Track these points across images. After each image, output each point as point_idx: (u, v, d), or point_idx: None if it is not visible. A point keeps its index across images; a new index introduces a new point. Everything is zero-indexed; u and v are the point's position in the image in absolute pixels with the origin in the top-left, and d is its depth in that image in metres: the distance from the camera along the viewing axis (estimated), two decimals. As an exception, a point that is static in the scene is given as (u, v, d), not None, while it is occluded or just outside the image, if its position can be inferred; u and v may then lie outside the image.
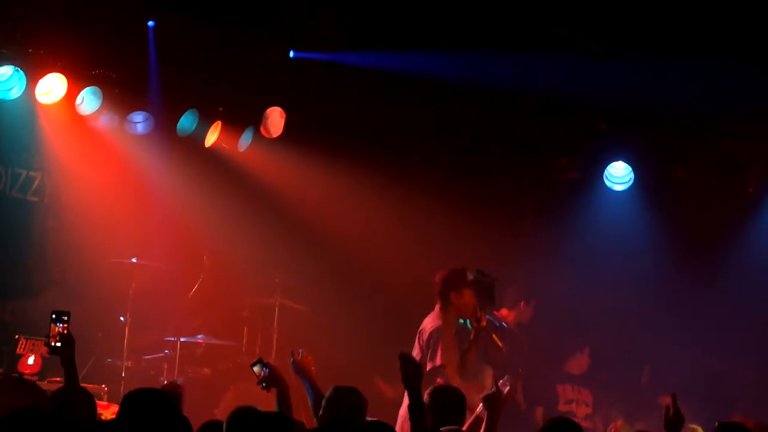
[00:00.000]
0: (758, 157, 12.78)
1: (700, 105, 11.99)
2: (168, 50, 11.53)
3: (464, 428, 7.80)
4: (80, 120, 11.50)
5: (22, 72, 10.86)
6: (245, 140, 12.31)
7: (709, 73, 11.46)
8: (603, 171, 13.14)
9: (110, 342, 12.05)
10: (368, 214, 12.74)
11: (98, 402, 10.17)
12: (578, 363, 12.29)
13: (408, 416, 6.69)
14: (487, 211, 13.05)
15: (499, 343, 10.05)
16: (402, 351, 6.69)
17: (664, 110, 12.41)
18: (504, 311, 11.84)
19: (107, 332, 12.10)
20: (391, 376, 11.02)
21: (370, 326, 12.43)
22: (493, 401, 7.42)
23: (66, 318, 6.82)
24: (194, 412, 7.19)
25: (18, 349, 10.83)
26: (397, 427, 8.31)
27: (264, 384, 7.70)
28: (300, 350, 8.12)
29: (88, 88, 11.24)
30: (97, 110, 11.39)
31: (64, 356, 6.74)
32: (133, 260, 11.95)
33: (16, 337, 10.87)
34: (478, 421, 7.67)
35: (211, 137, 12.15)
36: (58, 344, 6.80)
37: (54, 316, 6.83)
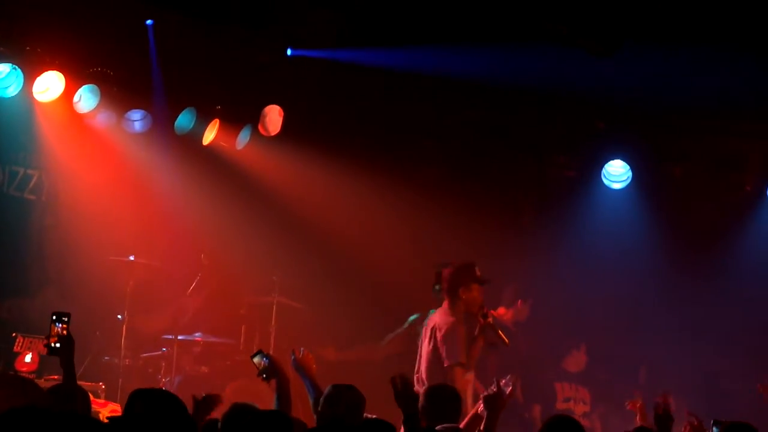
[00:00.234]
0: (755, 156, 12.78)
1: (697, 104, 11.99)
2: (166, 48, 11.52)
3: (462, 425, 7.80)
4: (78, 118, 11.49)
5: (19, 70, 10.85)
6: (243, 138, 12.30)
7: (707, 71, 11.47)
8: (601, 169, 13.14)
9: (108, 340, 12.05)
10: (366, 211, 12.73)
11: (95, 400, 10.23)
12: (575, 360, 12.30)
13: None
14: (485, 209, 13.04)
15: (506, 339, 10.08)
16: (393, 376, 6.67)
17: (661, 109, 12.42)
18: (501, 310, 11.86)
19: (105, 330, 12.11)
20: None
21: (367, 324, 12.42)
22: (494, 402, 7.39)
23: (66, 319, 6.81)
24: (192, 409, 7.19)
25: (15, 347, 10.82)
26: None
27: (264, 375, 7.70)
28: (301, 349, 8.12)
29: (85, 86, 11.23)
30: (94, 108, 11.38)
31: (64, 357, 6.74)
32: (131, 258, 11.95)
33: (14, 334, 10.86)
34: (476, 418, 7.66)
35: (209, 135, 12.14)
36: (58, 345, 6.78)
37: (54, 317, 6.82)
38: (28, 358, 10.81)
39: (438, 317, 10.17)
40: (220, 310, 12.68)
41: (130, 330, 11.93)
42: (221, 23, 11.66)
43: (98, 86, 11.27)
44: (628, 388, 12.74)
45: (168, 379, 11.95)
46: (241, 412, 6.29)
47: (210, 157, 12.35)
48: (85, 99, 11.31)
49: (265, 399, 8.27)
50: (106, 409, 10.19)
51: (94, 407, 9.62)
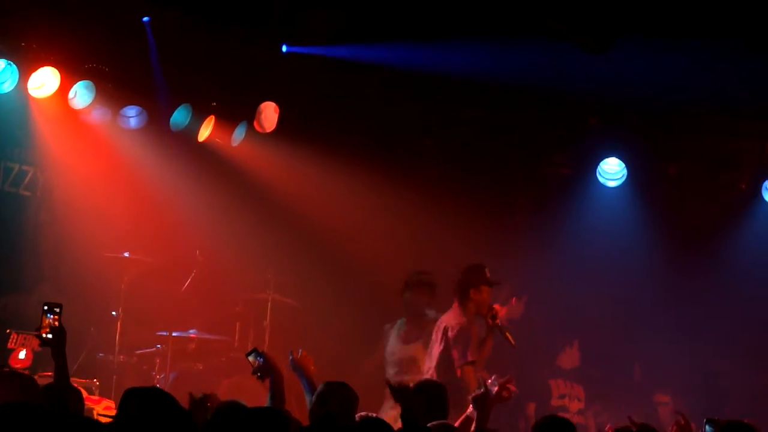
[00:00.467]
0: (750, 154, 12.79)
1: (692, 102, 12.00)
2: (162, 45, 11.51)
3: (458, 423, 7.81)
4: (73, 114, 11.47)
5: (14, 65, 10.82)
6: (239, 135, 12.29)
7: (702, 69, 11.47)
8: (596, 167, 13.14)
9: (102, 336, 12.04)
10: (361, 209, 12.73)
11: (89, 397, 10.23)
12: (569, 357, 12.32)
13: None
14: (480, 206, 13.04)
15: (512, 341, 10.17)
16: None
17: (656, 107, 12.42)
18: (496, 307, 11.85)
19: (99, 327, 12.10)
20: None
21: (362, 322, 12.41)
22: (482, 401, 7.43)
23: (58, 310, 6.79)
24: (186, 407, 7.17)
25: (9, 344, 10.81)
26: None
27: (259, 374, 7.71)
28: (300, 350, 8.13)
29: (81, 82, 11.21)
30: (90, 104, 11.36)
31: (55, 348, 6.72)
32: (126, 255, 11.94)
33: (8, 331, 10.85)
34: (468, 420, 7.67)
35: (205, 132, 12.12)
36: (50, 336, 6.77)
37: (46, 307, 6.80)
38: (22, 354, 10.79)
39: (449, 318, 10.32)
40: (214, 307, 12.67)
41: (124, 327, 11.93)
42: (217, 20, 11.65)
43: (94, 82, 11.25)
44: (623, 386, 12.77)
45: (162, 375, 11.94)
46: (228, 411, 6.28)
47: (205, 154, 12.34)
48: (81, 95, 11.29)
49: (260, 396, 8.26)
50: (100, 406, 10.19)
51: (88, 404, 9.62)
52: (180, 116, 11.87)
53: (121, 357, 11.88)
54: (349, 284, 12.77)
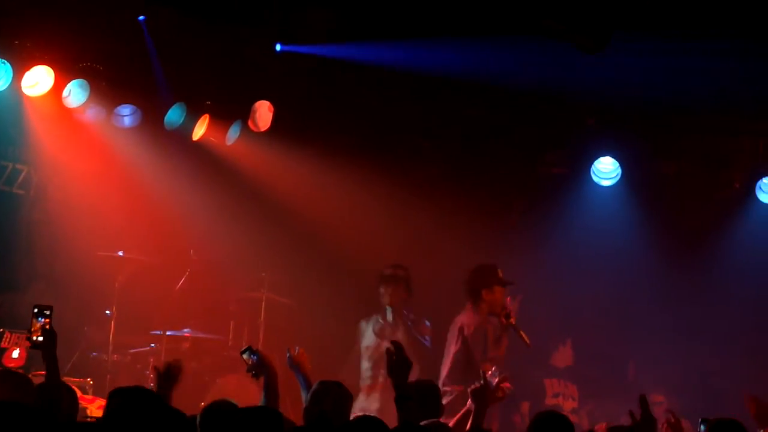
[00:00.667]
0: (744, 153, 12.79)
1: (686, 101, 12.00)
2: (156, 44, 11.50)
3: (453, 421, 7.81)
4: (67, 113, 11.46)
5: (8, 64, 10.81)
6: (233, 134, 12.28)
7: (696, 69, 11.47)
8: (590, 166, 13.14)
9: (96, 335, 12.04)
10: (356, 208, 12.73)
11: (83, 396, 10.22)
12: (562, 356, 12.34)
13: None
14: (476, 206, 13.04)
15: (527, 340, 10.21)
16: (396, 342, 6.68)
17: (651, 106, 12.42)
18: (509, 306, 11.86)
19: (93, 326, 12.09)
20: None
21: (357, 321, 12.40)
22: (481, 395, 7.41)
23: (48, 312, 6.79)
24: (180, 405, 7.17)
25: (3, 343, 10.79)
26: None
27: (253, 372, 7.71)
28: (297, 347, 8.13)
29: (75, 80, 11.20)
30: (84, 103, 11.35)
31: (46, 351, 6.72)
32: (120, 253, 11.93)
33: (1, 330, 10.83)
34: (467, 414, 7.66)
35: (199, 131, 12.11)
36: (40, 338, 6.77)
37: (36, 310, 6.80)
38: (15, 353, 10.78)
39: (464, 318, 10.47)
40: (209, 306, 12.66)
41: (118, 326, 11.92)
42: (212, 19, 11.64)
43: (88, 81, 11.24)
44: (617, 385, 12.78)
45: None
46: (219, 410, 6.28)
47: (200, 153, 12.33)
48: (75, 94, 11.28)
49: (254, 395, 8.25)
50: (94, 405, 10.18)
51: (82, 403, 9.62)
52: (174, 115, 11.86)
53: (115, 356, 11.87)
54: (344, 283, 12.77)
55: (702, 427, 7.39)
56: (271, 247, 12.63)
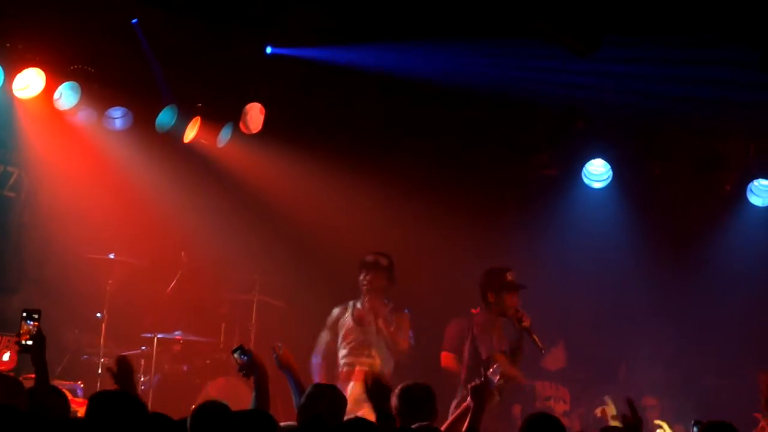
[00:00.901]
0: (735, 155, 12.81)
1: (677, 103, 12.01)
2: (148, 46, 11.49)
3: (449, 420, 7.81)
4: (58, 115, 11.45)
5: (-1, 66, 10.82)
6: (224, 136, 12.28)
7: (687, 70, 11.49)
8: (581, 169, 13.14)
9: (87, 338, 12.02)
10: (347, 210, 12.73)
11: (74, 399, 10.19)
12: (554, 358, 12.34)
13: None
14: (467, 208, 13.05)
15: (540, 344, 10.23)
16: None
17: (642, 108, 12.43)
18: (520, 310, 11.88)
19: (84, 328, 12.08)
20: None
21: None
22: (481, 392, 7.39)
23: (36, 316, 6.80)
24: (171, 408, 7.17)
25: (-7, 346, 10.80)
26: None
27: (244, 371, 7.71)
28: (280, 345, 8.12)
29: (66, 83, 11.19)
30: (75, 105, 11.34)
31: (35, 354, 6.72)
32: (111, 256, 11.93)
33: (-9, 333, 10.83)
34: (464, 413, 7.63)
35: (190, 133, 12.11)
36: (29, 342, 6.77)
37: (24, 314, 6.80)
38: (6, 356, 10.76)
39: (476, 318, 10.44)
40: (200, 308, 12.65)
41: (109, 328, 11.90)
42: (203, 20, 11.63)
43: (79, 83, 11.23)
44: (608, 387, 12.79)
45: (147, 377, 11.92)
46: (209, 411, 6.27)
47: (191, 155, 12.33)
48: (66, 96, 11.27)
49: (245, 397, 8.25)
50: (85, 408, 10.15)
51: (73, 406, 9.59)
52: (165, 117, 11.85)
53: (106, 359, 11.85)
54: (335, 285, 12.75)
55: (695, 429, 7.40)
56: (262, 249, 12.63)
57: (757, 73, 10.68)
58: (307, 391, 7.18)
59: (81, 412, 9.86)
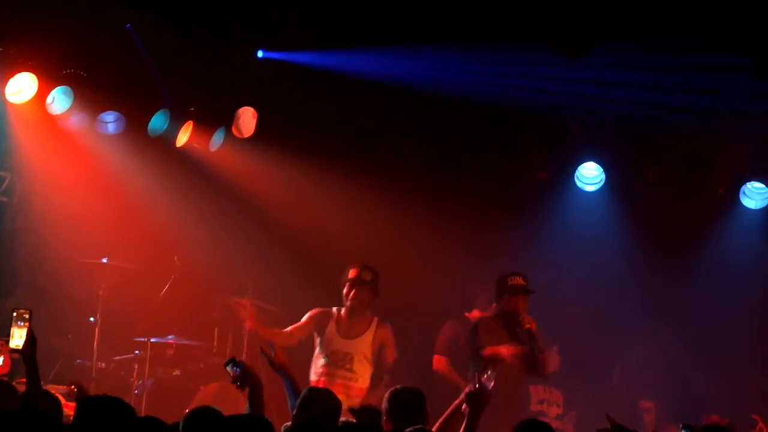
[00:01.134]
0: (727, 158, 12.82)
1: (670, 106, 12.03)
2: (140, 50, 11.47)
3: (442, 419, 7.81)
4: (51, 120, 11.43)
5: (-8, 71, 10.79)
6: (217, 140, 12.27)
7: (680, 73, 11.51)
8: (574, 172, 13.15)
9: (80, 343, 12.00)
10: (340, 214, 12.72)
11: (67, 403, 10.14)
12: (547, 362, 12.30)
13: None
14: (459, 211, 13.05)
15: (543, 349, 10.34)
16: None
17: (634, 111, 12.44)
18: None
19: (77, 333, 12.06)
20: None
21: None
22: (477, 398, 7.37)
23: (27, 316, 6.79)
24: (165, 412, 7.15)
25: (-15, 351, 10.75)
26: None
27: (238, 383, 7.69)
28: (270, 344, 8.10)
29: (58, 87, 11.17)
30: (67, 110, 11.32)
31: (26, 355, 6.71)
32: (104, 260, 11.92)
33: (-17, 338, 10.78)
34: (455, 414, 7.60)
35: (183, 137, 12.09)
36: (20, 343, 6.76)
37: (15, 314, 6.79)
38: (-1, 360, 10.74)
39: (482, 322, 10.73)
40: (193, 312, 12.64)
41: (102, 333, 11.88)
42: (195, 24, 11.62)
43: (71, 88, 11.21)
44: (602, 390, 12.78)
45: (141, 382, 11.90)
46: (202, 416, 6.26)
47: (183, 159, 12.31)
48: (58, 100, 11.25)
49: (238, 402, 8.23)
50: (75, 413, 10.12)
51: (66, 410, 9.56)
52: (158, 122, 11.83)
53: (99, 363, 11.84)
54: (328, 289, 12.73)
55: (684, 432, 7.40)
56: (255, 253, 12.61)
57: (749, 78, 10.70)
58: (302, 395, 7.17)
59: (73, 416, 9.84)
